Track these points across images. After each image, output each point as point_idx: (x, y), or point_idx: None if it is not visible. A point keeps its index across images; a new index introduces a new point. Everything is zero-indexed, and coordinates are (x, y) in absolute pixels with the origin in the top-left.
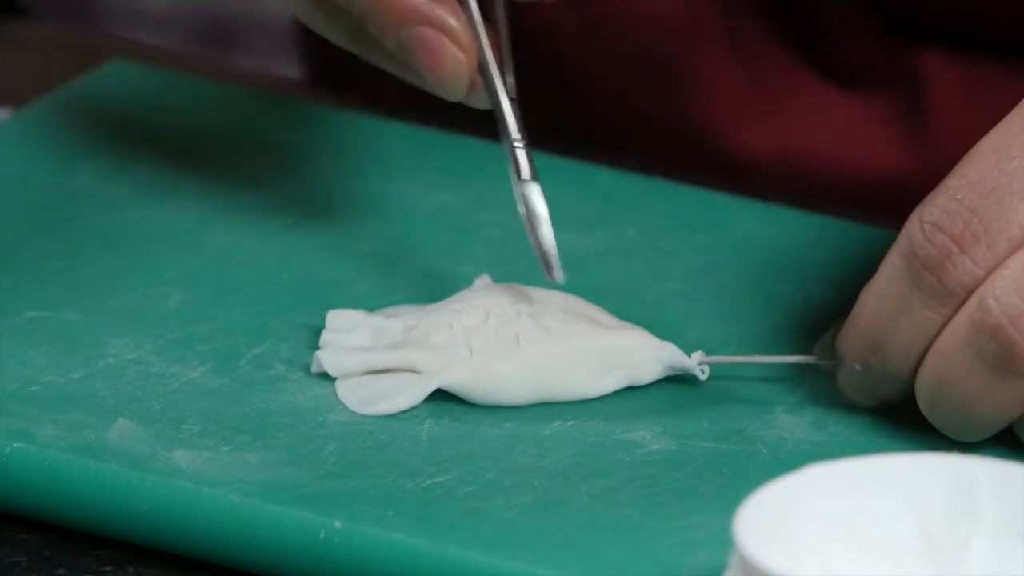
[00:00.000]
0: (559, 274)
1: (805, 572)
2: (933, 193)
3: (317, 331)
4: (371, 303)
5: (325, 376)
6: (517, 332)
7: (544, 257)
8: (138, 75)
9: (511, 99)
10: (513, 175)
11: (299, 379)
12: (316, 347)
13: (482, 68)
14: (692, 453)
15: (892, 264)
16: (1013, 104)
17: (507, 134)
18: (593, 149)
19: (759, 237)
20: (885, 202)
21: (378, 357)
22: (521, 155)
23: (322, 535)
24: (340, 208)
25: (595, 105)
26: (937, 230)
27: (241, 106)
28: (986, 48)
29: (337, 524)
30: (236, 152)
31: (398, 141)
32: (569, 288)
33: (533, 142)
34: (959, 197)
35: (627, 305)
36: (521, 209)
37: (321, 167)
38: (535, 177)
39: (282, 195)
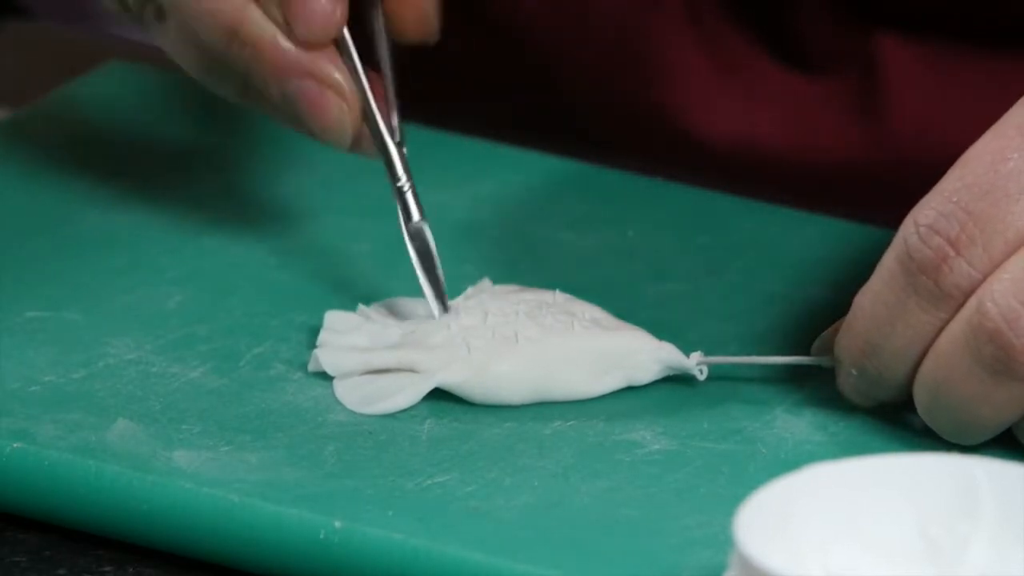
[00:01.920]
0: (447, 307)
1: (805, 572)
2: (928, 195)
3: (317, 331)
4: (371, 303)
5: (325, 376)
6: (516, 332)
7: (438, 295)
8: (138, 75)
9: (396, 143)
10: (402, 218)
11: (299, 379)
12: (315, 347)
13: (367, 116)
14: (692, 453)
15: (888, 267)
16: (967, 86)
17: (394, 178)
18: (591, 149)
19: (759, 237)
20: (842, 182)
21: (377, 357)
22: (409, 198)
23: (322, 535)
24: (340, 208)
25: (559, 88)
26: (933, 233)
27: (240, 106)
28: (941, 32)
29: (337, 524)
30: (236, 152)
31: None
32: (569, 288)
33: (520, 137)
34: (955, 200)
35: (627, 305)
36: (411, 250)
37: (321, 167)
38: (424, 217)
39: (282, 195)
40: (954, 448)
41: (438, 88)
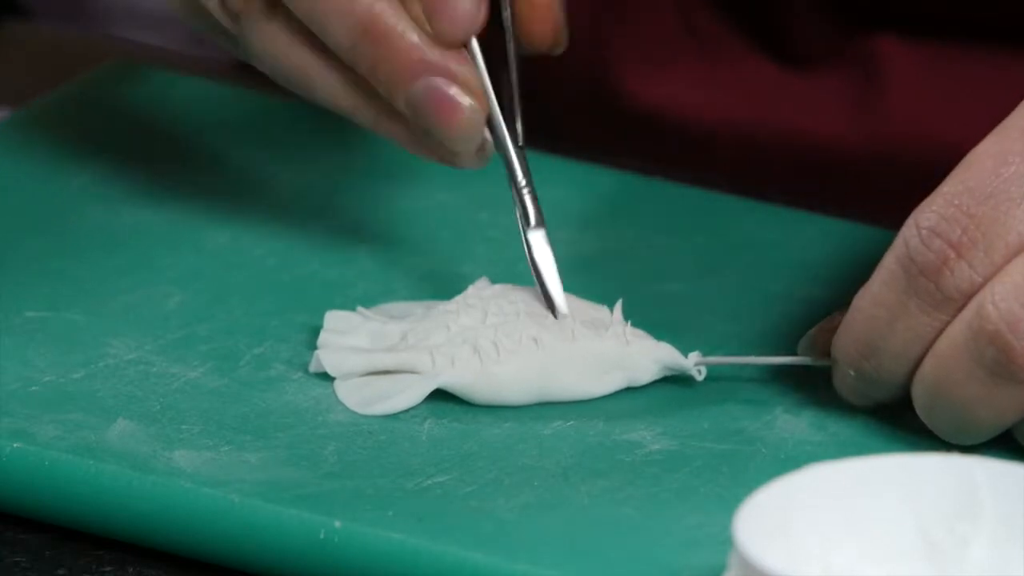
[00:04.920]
0: (564, 312)
1: (805, 572)
2: (930, 198)
3: (317, 331)
4: (371, 303)
5: (325, 376)
6: (515, 332)
7: (551, 300)
8: (138, 75)
9: (519, 147)
10: (521, 223)
11: (299, 379)
12: (315, 347)
13: (490, 121)
14: (692, 453)
15: (888, 269)
16: (965, 84)
17: (515, 182)
18: (593, 149)
19: (759, 237)
20: (837, 178)
21: (378, 358)
22: (528, 202)
23: (322, 535)
24: (340, 208)
25: (549, 88)
26: (935, 236)
27: (241, 106)
28: (938, 31)
29: (337, 524)
30: (236, 152)
31: None
32: (569, 288)
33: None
34: (956, 203)
35: (627, 305)
36: (529, 255)
37: (321, 167)
38: (541, 223)
39: (282, 195)
40: (954, 448)
41: None
